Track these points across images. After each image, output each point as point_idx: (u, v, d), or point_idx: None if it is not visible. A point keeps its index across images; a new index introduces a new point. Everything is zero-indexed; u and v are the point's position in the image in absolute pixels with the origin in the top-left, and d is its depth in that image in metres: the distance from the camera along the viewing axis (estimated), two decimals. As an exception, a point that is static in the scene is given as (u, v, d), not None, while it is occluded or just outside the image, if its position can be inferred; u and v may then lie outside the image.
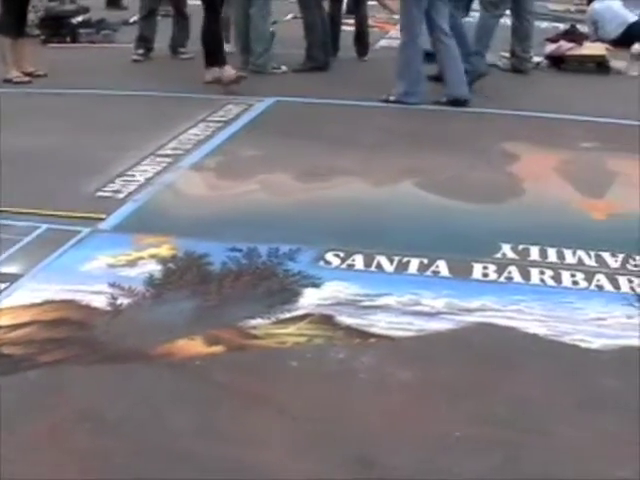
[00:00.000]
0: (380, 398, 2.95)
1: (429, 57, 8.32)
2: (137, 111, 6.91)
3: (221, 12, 7.97)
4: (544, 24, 13.56)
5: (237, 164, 5.55)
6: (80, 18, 10.93)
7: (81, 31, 10.75)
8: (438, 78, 8.16)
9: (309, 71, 8.76)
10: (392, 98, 7.37)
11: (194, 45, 8.81)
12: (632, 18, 12.21)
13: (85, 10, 11.29)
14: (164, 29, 9.73)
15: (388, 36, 11.24)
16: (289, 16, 12.59)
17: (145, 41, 9.41)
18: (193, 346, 3.25)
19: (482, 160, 5.81)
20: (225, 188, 5.07)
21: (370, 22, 10.49)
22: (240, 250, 4.05)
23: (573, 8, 16.61)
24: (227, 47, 8.51)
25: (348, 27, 10.01)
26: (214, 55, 7.71)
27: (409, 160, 5.69)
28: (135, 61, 9.25)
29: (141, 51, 9.36)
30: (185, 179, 5.29)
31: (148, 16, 9.47)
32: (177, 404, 2.88)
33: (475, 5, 10.30)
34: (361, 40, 9.65)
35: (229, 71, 7.62)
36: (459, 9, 8.07)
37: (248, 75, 8.02)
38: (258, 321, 3.42)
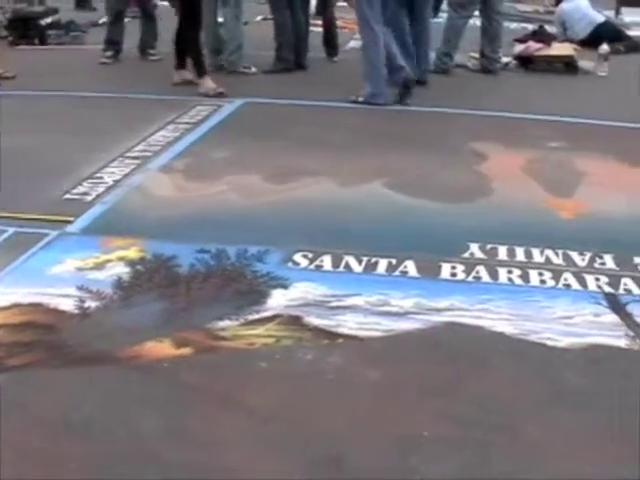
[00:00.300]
0: (349, 398, 2.95)
1: None
2: (106, 113, 6.88)
3: (201, 24, 7.89)
4: (513, 25, 13.65)
5: (206, 166, 5.54)
6: (49, 20, 10.90)
7: (50, 33, 10.72)
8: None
9: (279, 72, 8.76)
10: (360, 99, 7.39)
11: (165, 46, 8.81)
12: (600, 19, 12.32)
13: (54, 11, 11.26)
14: (133, 31, 9.71)
15: (358, 37, 11.21)
16: (259, 17, 12.60)
17: (113, 44, 9.39)
18: (161, 348, 3.24)
19: (450, 160, 5.83)
20: (194, 190, 5.06)
21: (339, 23, 10.52)
22: (208, 252, 4.04)
23: (542, 9, 16.71)
24: None
25: (317, 28, 10.02)
26: (183, 60, 7.73)
27: (378, 160, 5.70)
28: (104, 64, 9.22)
29: (110, 53, 9.33)
30: (153, 181, 5.27)
31: (116, 19, 9.45)
32: (145, 406, 2.87)
33: (444, 6, 10.35)
34: (330, 41, 9.67)
35: (209, 84, 7.60)
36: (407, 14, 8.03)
37: (219, 74, 8.05)
38: (226, 322, 3.41)
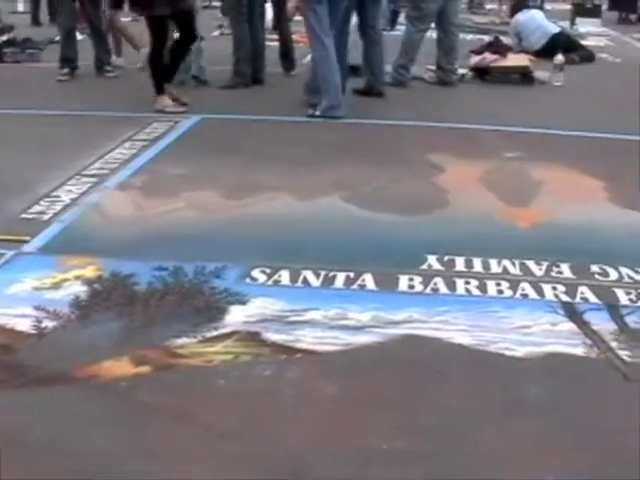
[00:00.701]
0: (307, 413, 2.95)
1: (353, 70, 8.42)
2: (63, 131, 6.85)
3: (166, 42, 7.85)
4: (469, 36, 13.76)
5: (163, 182, 5.52)
6: (5, 37, 10.85)
7: (6, 50, 10.66)
8: (364, 92, 8.25)
9: (236, 87, 8.76)
10: (317, 113, 7.40)
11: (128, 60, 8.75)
12: (555, 29, 12.46)
13: (10, 29, 11.23)
14: (89, 47, 9.68)
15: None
16: (216, 32, 12.62)
17: (68, 61, 9.35)
18: (119, 367, 3.22)
19: (407, 172, 5.85)
20: (151, 207, 5.04)
21: (296, 37, 10.55)
22: (166, 269, 4.03)
23: (498, 20, 16.87)
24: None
25: (273, 43, 10.04)
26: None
27: (335, 174, 5.71)
28: (60, 81, 9.18)
29: (66, 71, 9.30)
30: (111, 199, 5.25)
31: (67, 36, 9.41)
32: (103, 426, 2.85)
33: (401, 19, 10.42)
34: (287, 55, 9.69)
35: (165, 101, 7.59)
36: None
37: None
38: (184, 340, 3.40)
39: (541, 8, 16.97)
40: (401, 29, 10.62)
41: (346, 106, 7.54)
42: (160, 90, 7.63)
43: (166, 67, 7.63)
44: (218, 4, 16.26)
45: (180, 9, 7.38)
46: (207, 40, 10.79)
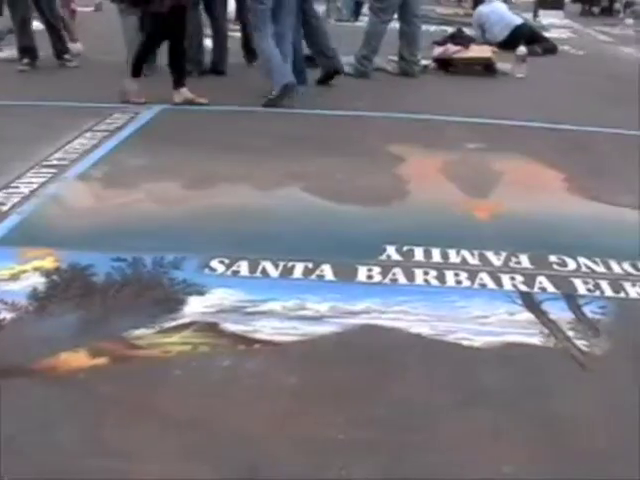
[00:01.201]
0: (265, 404, 2.95)
1: (309, 60, 8.44)
2: (22, 121, 6.77)
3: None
4: (432, 28, 13.78)
5: (123, 173, 5.49)
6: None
7: (-36, 41, 10.54)
8: (325, 78, 8.28)
9: (189, 75, 8.65)
10: (273, 93, 7.41)
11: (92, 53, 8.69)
12: (517, 21, 12.52)
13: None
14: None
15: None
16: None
17: (27, 51, 9.25)
18: (77, 359, 3.20)
19: (368, 163, 5.85)
20: (111, 198, 5.01)
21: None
22: (125, 260, 4.01)
23: (462, 12, 16.92)
24: None
25: (236, 33, 10.00)
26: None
27: (295, 165, 5.71)
28: (22, 71, 9.09)
29: (26, 61, 9.20)
30: (70, 190, 5.21)
31: (22, 26, 9.29)
32: (61, 418, 2.83)
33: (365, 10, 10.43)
34: (248, 46, 9.62)
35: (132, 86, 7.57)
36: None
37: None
38: (142, 331, 3.38)
39: (505, 0, 17.10)
40: (364, 20, 10.61)
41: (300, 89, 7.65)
42: (136, 73, 7.58)
43: (175, 70, 7.58)
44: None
45: (180, 4, 7.34)
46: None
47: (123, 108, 7.23)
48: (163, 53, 7.77)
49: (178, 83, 7.57)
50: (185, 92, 7.55)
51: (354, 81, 9.08)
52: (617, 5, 20.90)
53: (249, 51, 9.62)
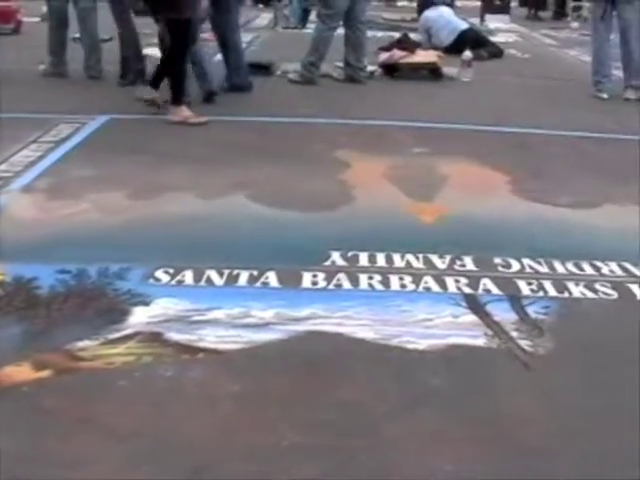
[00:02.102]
0: (209, 412, 2.94)
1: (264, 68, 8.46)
2: (-34, 134, 6.72)
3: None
4: (380, 33, 13.83)
5: (68, 184, 5.45)
6: None
7: None
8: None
9: (132, 84, 8.62)
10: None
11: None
12: (463, 25, 12.64)
13: None
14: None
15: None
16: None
17: None
18: (20, 372, 3.17)
19: (313, 169, 5.87)
20: (56, 209, 4.96)
21: (208, 35, 10.49)
22: (69, 272, 3.98)
23: (408, 17, 16.99)
24: None
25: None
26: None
27: (240, 172, 5.70)
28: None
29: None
30: (15, 202, 5.16)
31: None
32: (5, 432, 2.81)
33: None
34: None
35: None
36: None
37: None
38: (86, 343, 3.36)
39: (451, 5, 17.22)
40: (312, 27, 10.63)
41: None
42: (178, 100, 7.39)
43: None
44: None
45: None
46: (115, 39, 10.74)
47: (69, 119, 7.17)
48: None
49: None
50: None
51: (300, 87, 9.11)
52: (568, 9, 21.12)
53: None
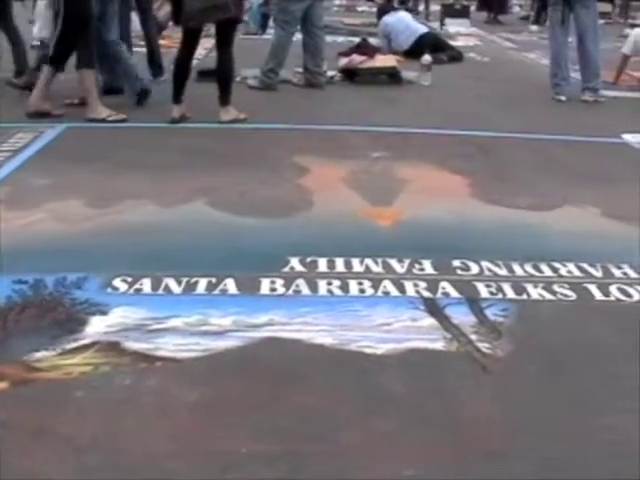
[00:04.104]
0: (167, 421, 2.93)
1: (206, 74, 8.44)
2: None
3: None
4: (340, 39, 13.85)
5: (26, 194, 5.40)
6: None
7: None
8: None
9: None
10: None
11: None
12: (422, 30, 12.69)
13: None
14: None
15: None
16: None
17: None
18: (-24, 384, 3.15)
19: (272, 175, 5.86)
20: (12, 219, 4.91)
21: (167, 42, 10.49)
22: (26, 282, 3.95)
23: (368, 21, 17.03)
24: None
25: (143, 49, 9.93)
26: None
27: (200, 179, 5.67)
28: None
29: None
30: (-29, 212, 5.12)
31: None
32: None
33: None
34: (154, 60, 9.55)
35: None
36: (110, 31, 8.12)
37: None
38: (43, 353, 3.33)
39: (412, 10, 17.31)
40: (272, 33, 10.62)
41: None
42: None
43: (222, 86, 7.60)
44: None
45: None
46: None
47: (27, 127, 7.11)
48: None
49: (225, 101, 7.57)
50: (231, 110, 7.56)
51: (260, 93, 9.11)
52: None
53: (154, 66, 9.55)
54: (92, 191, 5.41)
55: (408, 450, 2.81)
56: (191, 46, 7.55)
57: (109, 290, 3.91)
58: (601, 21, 8.99)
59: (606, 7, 19.69)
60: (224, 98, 7.53)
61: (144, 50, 9.80)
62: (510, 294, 4.00)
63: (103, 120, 7.35)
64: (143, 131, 7.20)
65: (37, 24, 9.55)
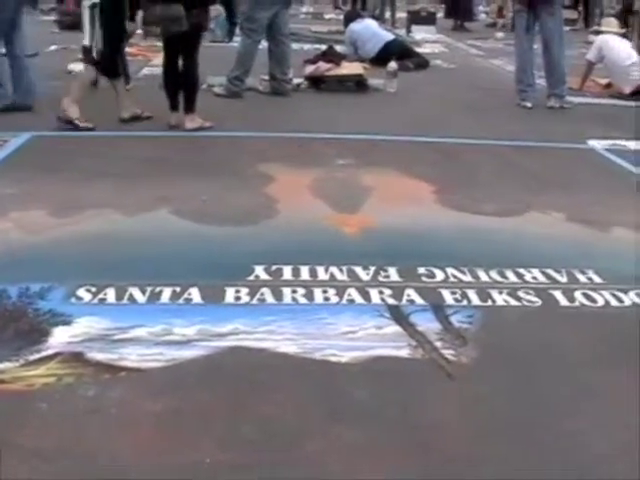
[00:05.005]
0: (131, 432, 2.91)
1: None
2: None
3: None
4: (307, 46, 13.84)
5: (-11, 203, 5.37)
6: None
7: None
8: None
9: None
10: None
11: None
12: (389, 37, 12.71)
13: None
14: None
15: (151, 64, 11.13)
16: (52, 47, 12.42)
17: None
18: (-62, 396, 3.12)
19: (237, 183, 5.85)
20: (-25, 229, 4.89)
21: (134, 50, 10.45)
22: (-12, 292, 3.93)
23: (335, 29, 17.04)
24: None
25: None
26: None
27: (164, 188, 5.65)
28: None
29: None
30: None
31: None
32: None
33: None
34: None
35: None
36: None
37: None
38: (6, 365, 3.31)
39: (378, 18, 17.34)
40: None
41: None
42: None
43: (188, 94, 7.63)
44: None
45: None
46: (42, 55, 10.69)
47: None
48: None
49: (190, 108, 7.56)
50: (196, 118, 7.56)
51: (226, 101, 9.08)
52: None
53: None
54: (56, 200, 5.37)
55: (373, 457, 2.82)
56: (171, 54, 7.56)
57: (73, 300, 3.89)
58: (566, 28, 8.99)
59: (572, 14, 19.81)
60: (189, 106, 7.53)
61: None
62: (475, 300, 4.01)
63: (71, 121, 7.34)
64: (108, 140, 7.16)
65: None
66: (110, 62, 7.61)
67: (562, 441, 2.93)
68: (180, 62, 7.55)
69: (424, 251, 4.62)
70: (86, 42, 7.49)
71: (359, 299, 3.97)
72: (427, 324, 3.74)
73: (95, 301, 3.88)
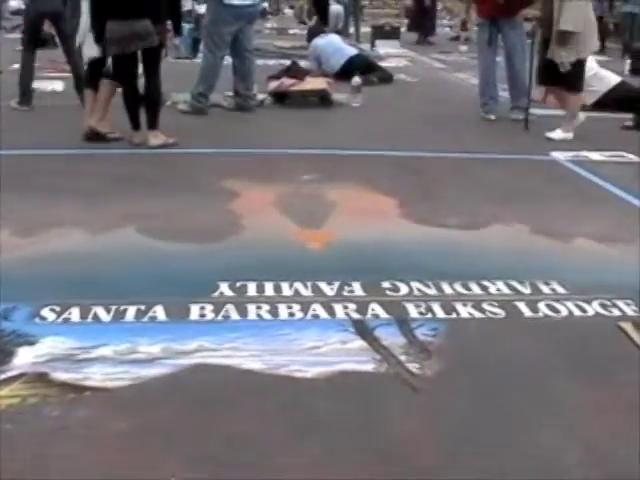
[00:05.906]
0: (96, 451, 2.91)
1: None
2: None
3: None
4: (271, 61, 13.87)
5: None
6: None
7: None
8: None
9: None
10: None
11: None
12: (352, 52, 12.78)
13: None
14: None
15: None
16: (16, 65, 12.34)
17: None
18: None
19: (201, 200, 5.85)
20: (-61, 250, 4.86)
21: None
22: (-48, 314, 3.90)
23: (299, 44, 17.08)
24: None
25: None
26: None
27: (128, 206, 5.64)
28: None
29: None
30: None
31: None
32: None
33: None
34: (79, 86, 9.42)
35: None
36: None
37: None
38: (-30, 386, 3.30)
39: (341, 33, 17.39)
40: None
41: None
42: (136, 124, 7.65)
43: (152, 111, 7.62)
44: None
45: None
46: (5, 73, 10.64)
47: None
48: None
49: (154, 124, 7.55)
50: (160, 134, 7.55)
51: (190, 118, 9.08)
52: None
53: (80, 91, 9.41)
54: (19, 219, 5.34)
55: (339, 471, 2.82)
56: (131, 72, 7.51)
57: (37, 320, 3.87)
58: (528, 41, 9.07)
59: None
60: (153, 121, 7.53)
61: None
62: (439, 313, 4.04)
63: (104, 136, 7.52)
64: (71, 158, 7.11)
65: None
66: (119, 68, 7.54)
67: (526, 452, 2.95)
68: (141, 80, 7.54)
69: (388, 265, 4.63)
70: (94, 53, 7.51)
71: (324, 314, 3.98)
72: (392, 338, 3.76)
73: (59, 320, 3.87)
